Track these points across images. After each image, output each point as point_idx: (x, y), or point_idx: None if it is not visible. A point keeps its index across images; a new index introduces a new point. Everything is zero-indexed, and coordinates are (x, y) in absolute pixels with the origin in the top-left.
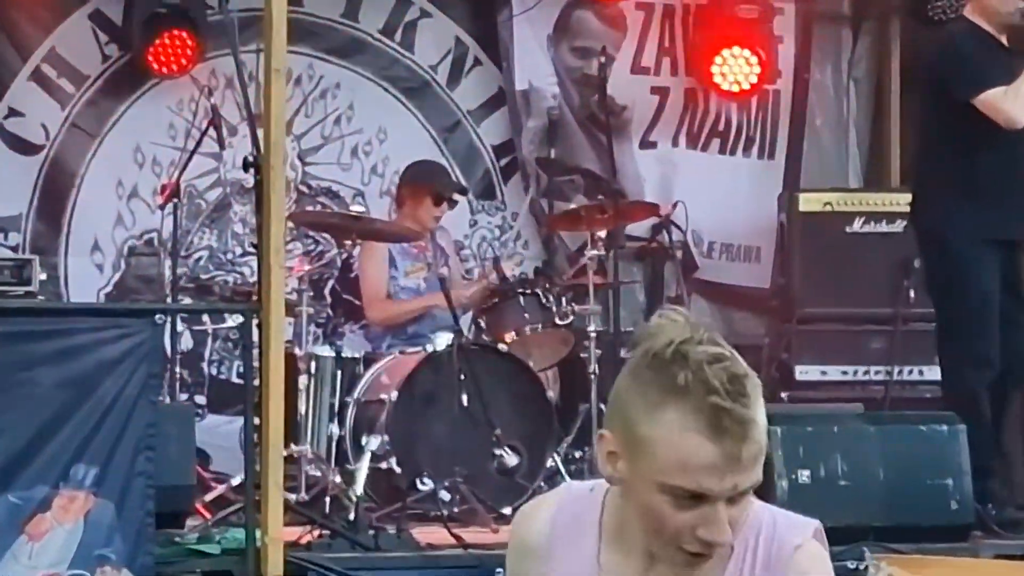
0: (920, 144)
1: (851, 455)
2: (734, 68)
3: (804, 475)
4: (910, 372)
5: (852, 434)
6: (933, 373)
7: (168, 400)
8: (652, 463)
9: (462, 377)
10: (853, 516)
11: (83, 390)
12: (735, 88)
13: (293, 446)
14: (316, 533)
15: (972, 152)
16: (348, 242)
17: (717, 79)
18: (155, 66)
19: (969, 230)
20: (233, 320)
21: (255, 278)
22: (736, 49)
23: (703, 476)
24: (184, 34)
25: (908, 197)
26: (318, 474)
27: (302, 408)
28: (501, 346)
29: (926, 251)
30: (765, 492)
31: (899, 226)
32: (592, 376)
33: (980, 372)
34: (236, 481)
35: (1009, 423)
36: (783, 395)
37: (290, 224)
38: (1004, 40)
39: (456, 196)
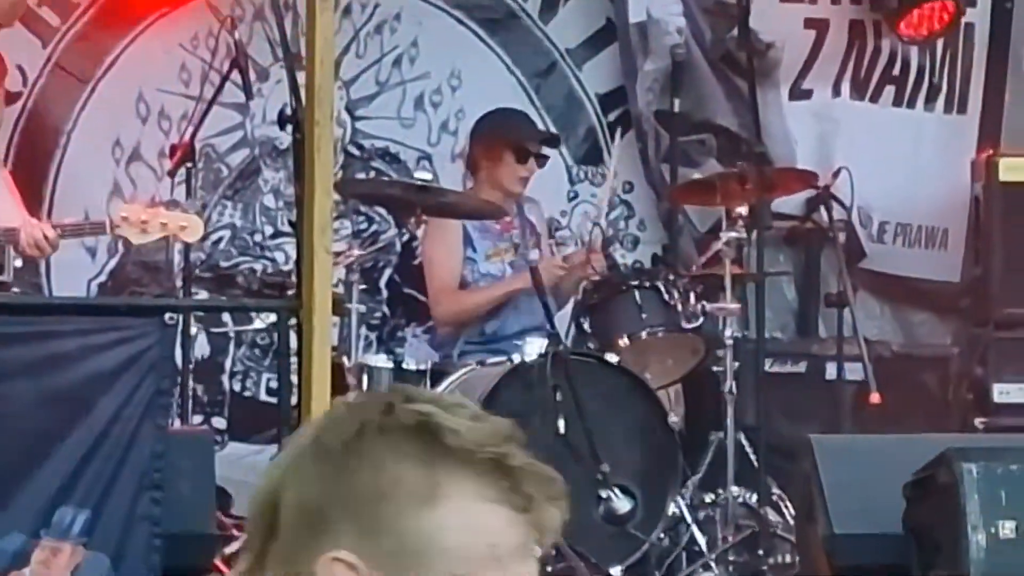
0: None
1: None
2: None
3: (1007, 527)
4: None
5: None
6: None
7: (179, 424)
8: None
9: (559, 396)
10: None
11: (71, 410)
12: (916, 21)
13: None
14: None
15: None
16: (411, 219)
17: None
18: None
19: None
20: (263, 320)
21: (292, 266)
22: None
23: None
24: None
25: None
26: None
27: None
28: (610, 356)
29: None
30: (955, 549)
31: None
32: (728, 396)
33: None
34: None
35: None
36: (978, 422)
37: (336, 196)
38: None
39: (545, 150)
